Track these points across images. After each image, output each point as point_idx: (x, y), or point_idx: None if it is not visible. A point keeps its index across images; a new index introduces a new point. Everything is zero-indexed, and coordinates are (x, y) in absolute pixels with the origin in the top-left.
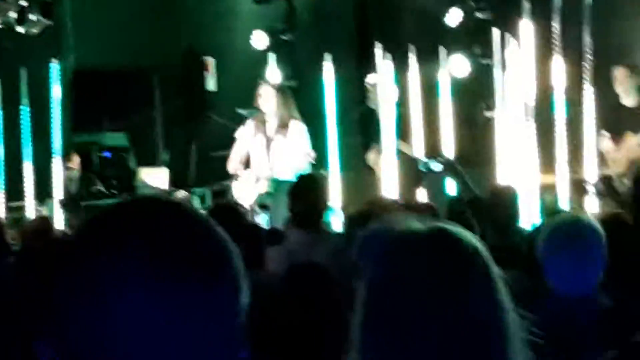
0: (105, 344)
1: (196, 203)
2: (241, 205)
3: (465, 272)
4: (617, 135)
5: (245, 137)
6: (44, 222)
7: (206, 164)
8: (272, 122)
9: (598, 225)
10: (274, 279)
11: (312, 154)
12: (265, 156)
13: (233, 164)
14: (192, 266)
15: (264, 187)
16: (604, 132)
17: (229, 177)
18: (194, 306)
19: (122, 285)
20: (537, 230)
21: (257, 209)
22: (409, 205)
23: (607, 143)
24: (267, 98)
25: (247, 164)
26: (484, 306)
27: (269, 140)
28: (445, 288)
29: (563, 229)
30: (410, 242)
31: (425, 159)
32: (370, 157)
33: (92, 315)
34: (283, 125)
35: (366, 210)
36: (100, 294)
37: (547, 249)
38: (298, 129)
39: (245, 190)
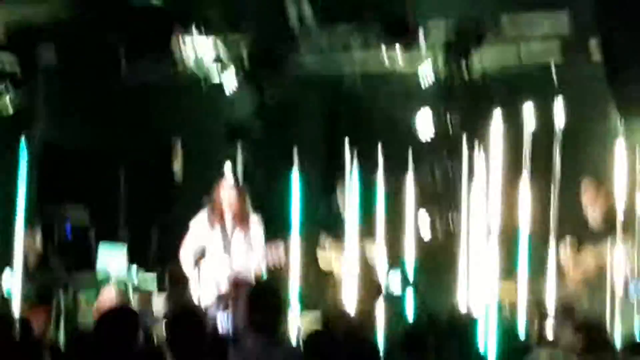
0: None
1: (152, 285)
2: (201, 311)
3: None
4: (579, 247)
5: (201, 229)
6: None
7: (167, 247)
8: (229, 216)
9: None
10: None
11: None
12: (226, 250)
13: (186, 256)
14: None
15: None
16: (567, 241)
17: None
18: None
19: None
20: None
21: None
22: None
23: (566, 256)
24: (227, 189)
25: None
26: None
27: (227, 236)
28: None
29: None
30: None
31: (387, 279)
32: (322, 255)
33: None
34: (242, 220)
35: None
36: None
37: None
38: (257, 223)
39: (205, 289)
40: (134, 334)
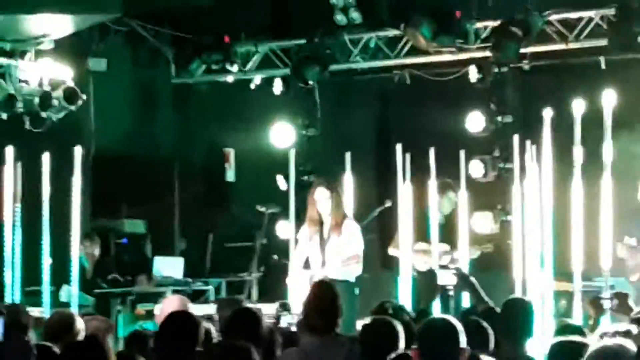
0: None
1: (211, 294)
2: (259, 310)
3: None
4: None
5: (304, 240)
6: (66, 318)
7: (222, 255)
8: (327, 223)
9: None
10: None
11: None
12: (320, 255)
13: (295, 267)
14: None
15: None
16: (627, 239)
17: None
18: None
19: None
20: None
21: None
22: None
23: (625, 251)
24: (323, 200)
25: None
26: None
27: (323, 241)
28: None
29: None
30: None
31: (439, 271)
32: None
33: None
34: (337, 225)
35: (380, 320)
36: None
37: None
38: (352, 227)
39: (300, 290)
40: (195, 338)
